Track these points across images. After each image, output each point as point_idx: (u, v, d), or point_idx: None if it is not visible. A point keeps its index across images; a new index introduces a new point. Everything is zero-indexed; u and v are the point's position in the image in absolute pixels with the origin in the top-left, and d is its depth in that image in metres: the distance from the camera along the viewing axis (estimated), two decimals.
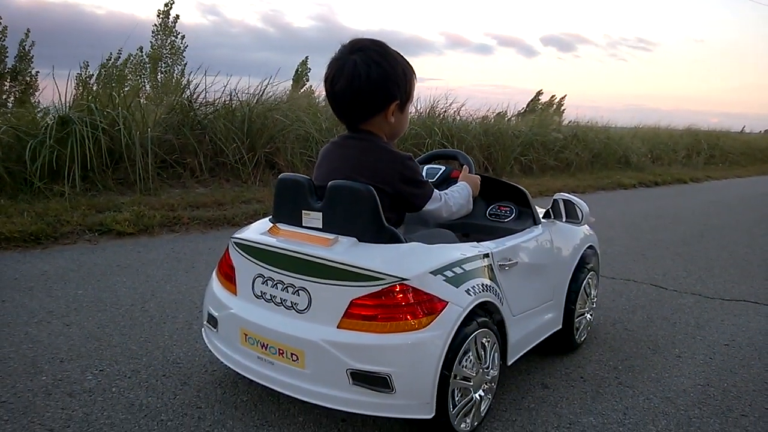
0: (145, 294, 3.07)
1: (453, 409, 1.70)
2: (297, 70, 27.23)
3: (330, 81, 1.82)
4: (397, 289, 1.61)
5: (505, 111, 11.39)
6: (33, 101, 9.50)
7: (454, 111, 9.30)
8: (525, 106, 26.05)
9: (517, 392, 2.15)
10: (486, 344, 1.81)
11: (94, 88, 6.40)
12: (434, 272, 1.68)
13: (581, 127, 11.87)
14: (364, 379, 1.61)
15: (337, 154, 1.90)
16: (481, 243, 1.98)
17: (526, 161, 9.72)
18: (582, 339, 2.66)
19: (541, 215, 2.49)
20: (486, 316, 1.82)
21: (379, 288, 1.61)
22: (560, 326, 2.45)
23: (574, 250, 2.56)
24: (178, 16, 22.65)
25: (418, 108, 9.09)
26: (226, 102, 6.85)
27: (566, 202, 2.47)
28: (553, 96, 30.54)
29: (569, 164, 10.67)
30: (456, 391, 1.70)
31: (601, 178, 10.17)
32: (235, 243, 1.94)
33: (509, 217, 2.52)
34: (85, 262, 3.60)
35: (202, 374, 2.16)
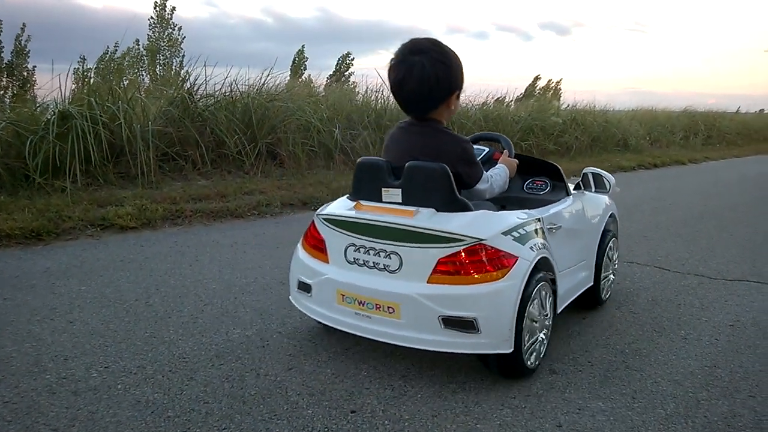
0: (149, 288, 3.07)
1: (524, 347, 2.05)
2: (294, 59, 27.12)
3: (399, 83, 2.11)
4: (477, 248, 1.95)
5: (504, 96, 11.36)
6: (30, 96, 9.44)
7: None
8: (523, 91, 25.94)
9: (525, 378, 2.15)
10: (545, 297, 2.17)
11: (93, 83, 6.37)
12: (504, 233, 2.03)
13: (579, 111, 11.83)
14: (453, 323, 1.95)
15: (405, 139, 2.23)
16: (530, 210, 2.30)
17: (527, 146, 9.68)
18: (606, 297, 3.02)
19: (571, 187, 2.82)
20: (545, 272, 2.17)
21: (461, 247, 1.95)
22: (592, 283, 2.81)
23: (600, 217, 2.93)
24: (174, 8, 22.55)
25: None
26: (227, 93, 6.82)
27: (595, 175, 2.95)
28: (550, 80, 30.30)
29: (569, 148, 10.65)
30: (525, 332, 2.04)
31: (601, 161, 10.14)
32: (323, 219, 2.25)
33: (544, 190, 2.87)
34: (87, 258, 3.60)
35: (208, 369, 2.16)
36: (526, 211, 2.27)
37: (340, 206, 2.26)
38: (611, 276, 3.08)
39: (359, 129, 7.57)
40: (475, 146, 2.57)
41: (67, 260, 3.54)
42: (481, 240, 1.95)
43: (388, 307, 2.03)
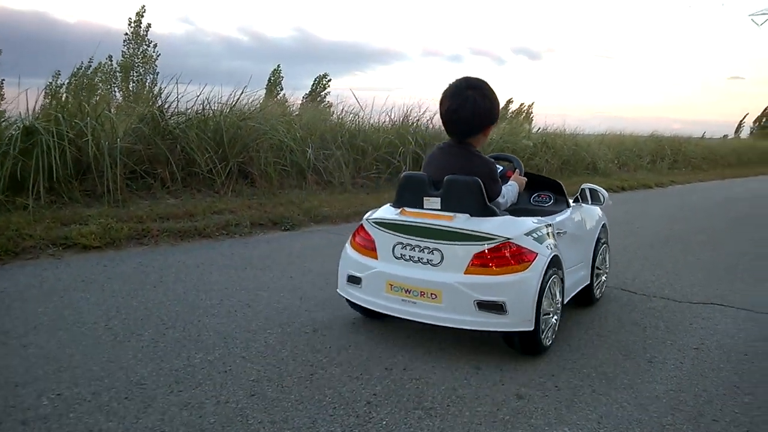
0: (109, 310, 2.98)
1: (542, 326, 2.51)
2: (270, 78, 27.14)
3: (454, 111, 2.62)
4: (505, 245, 2.43)
5: None
6: None
7: (428, 120, 9.32)
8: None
9: (492, 404, 2.13)
10: (556, 286, 2.64)
11: (64, 98, 6.25)
12: (526, 234, 2.51)
13: (550, 135, 12.00)
14: (486, 306, 2.40)
15: (445, 158, 2.72)
16: (541, 218, 2.79)
17: None
18: (599, 296, 3.51)
19: (571, 201, 3.34)
20: (556, 267, 2.61)
21: (493, 245, 2.43)
22: (589, 281, 3.28)
23: (594, 226, 3.44)
24: (150, 25, 22.45)
25: (393, 117, 9.10)
26: (199, 111, 6.76)
27: (591, 189, 3.48)
28: (522, 104, 30.82)
29: (540, 171, 10.77)
30: (542, 315, 2.48)
31: (571, 184, 10.25)
32: (373, 222, 2.72)
33: (548, 203, 3.39)
34: (47, 278, 3.49)
35: (167, 395, 2.09)
36: (539, 218, 2.77)
37: (387, 212, 2.73)
38: (603, 277, 3.58)
39: (332, 149, 7.56)
40: (500, 160, 3.19)
41: (26, 280, 3.43)
42: (509, 239, 2.45)
43: (432, 294, 2.48)
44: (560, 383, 2.35)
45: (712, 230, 6.64)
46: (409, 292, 2.54)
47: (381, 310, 2.65)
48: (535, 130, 12.92)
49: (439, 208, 2.58)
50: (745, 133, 41.46)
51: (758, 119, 47.98)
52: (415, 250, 2.56)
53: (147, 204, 5.50)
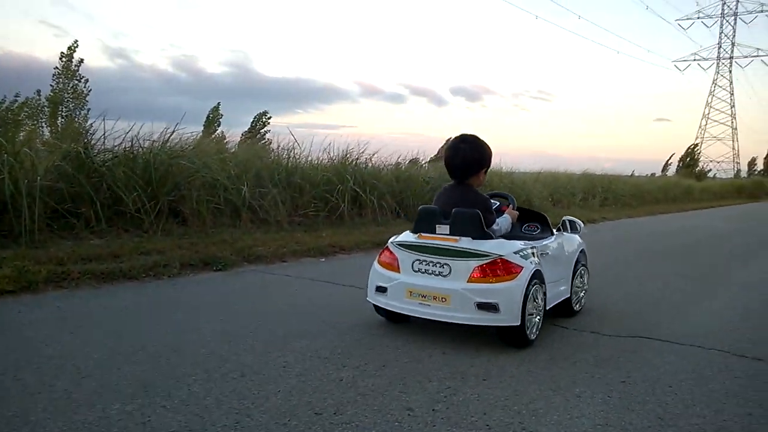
0: (19, 360, 2.78)
1: (527, 323, 3.22)
2: (208, 116, 26.83)
3: (451, 159, 3.53)
4: (499, 261, 3.17)
5: (418, 158, 11.70)
6: None
7: (367, 158, 9.39)
8: (436, 152, 26.69)
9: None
10: (539, 293, 3.36)
11: None
12: (515, 252, 3.26)
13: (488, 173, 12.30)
14: (484, 306, 3.12)
15: (450, 195, 3.57)
16: (528, 242, 3.53)
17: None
18: (578, 309, 4.16)
19: (554, 230, 4.06)
20: (538, 279, 3.34)
21: (490, 260, 3.18)
22: (569, 295, 3.98)
23: (573, 251, 4.14)
24: (82, 60, 21.85)
25: (331, 155, 9.11)
26: (128, 148, 6.57)
27: (570, 221, 4.19)
28: None
29: None
30: (527, 314, 3.20)
31: None
32: (398, 244, 3.46)
33: (536, 231, 4.05)
34: None
35: None
36: (526, 242, 3.51)
37: (407, 236, 3.49)
38: (581, 293, 4.23)
39: (269, 187, 7.47)
40: (494, 196, 3.95)
41: None
42: (501, 256, 3.21)
43: (442, 298, 3.23)
44: (491, 422, 2.33)
45: (640, 264, 6.89)
46: (425, 297, 3.28)
47: (403, 312, 3.41)
48: None
49: (448, 233, 3.34)
50: (671, 172, 43.85)
51: (683, 158, 50.94)
52: (429, 265, 3.32)
53: (69, 245, 5.25)
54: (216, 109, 25.41)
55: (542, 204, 13.24)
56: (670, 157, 48.23)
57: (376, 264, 3.58)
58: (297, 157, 8.57)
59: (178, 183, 6.57)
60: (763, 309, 4.64)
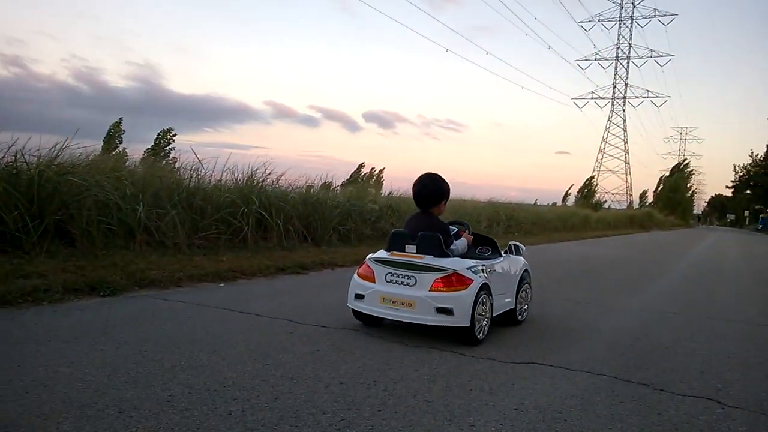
0: None
1: (476, 325, 3.95)
2: (109, 131, 25.59)
3: (417, 192, 4.37)
4: (454, 275, 3.91)
5: (330, 181, 11.67)
6: None
7: (274, 180, 9.22)
8: (349, 176, 26.83)
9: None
10: (485, 302, 4.10)
11: None
12: (467, 268, 3.98)
13: (395, 199, 12.43)
14: (442, 310, 3.86)
15: (416, 221, 4.36)
16: (479, 261, 4.25)
17: (344, 231, 9.87)
18: (522, 319, 4.95)
19: (502, 252, 4.85)
20: (486, 290, 4.09)
21: (447, 274, 3.91)
22: (513, 306, 4.76)
23: (518, 270, 4.93)
24: None
25: (237, 176, 8.86)
26: (9, 163, 6.07)
27: (514, 245, 5.01)
28: (373, 168, 31.85)
29: (385, 233, 11.04)
30: (476, 317, 3.94)
31: None
32: (375, 260, 4.17)
33: (487, 253, 4.71)
34: None
35: None
36: (477, 261, 4.25)
37: (382, 254, 4.23)
38: (525, 306, 5.05)
39: (167, 207, 7.14)
40: (452, 224, 4.66)
41: None
42: (456, 270, 3.98)
43: (409, 303, 3.99)
44: None
45: (539, 290, 7.09)
46: (395, 303, 4.04)
47: (377, 315, 4.18)
48: (384, 193, 13.35)
49: (415, 251, 4.12)
50: (571, 202, 46.31)
51: (581, 189, 54.03)
52: (399, 277, 4.08)
53: None
54: (117, 124, 24.33)
55: None
56: (569, 188, 51.14)
57: (355, 276, 4.32)
58: (200, 177, 8.27)
59: (67, 201, 6.14)
60: (648, 334, 4.89)
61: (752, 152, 75.67)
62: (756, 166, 75.23)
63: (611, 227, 31.34)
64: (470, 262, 4.12)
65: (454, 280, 3.94)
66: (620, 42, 68.08)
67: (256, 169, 8.89)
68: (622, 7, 66.89)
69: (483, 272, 4.14)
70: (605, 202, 56.34)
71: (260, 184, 8.84)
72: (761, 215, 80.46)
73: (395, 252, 4.18)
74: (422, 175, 4.45)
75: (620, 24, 67.70)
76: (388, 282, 4.09)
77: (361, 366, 3.40)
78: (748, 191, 79.96)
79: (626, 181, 70.19)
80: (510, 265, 4.79)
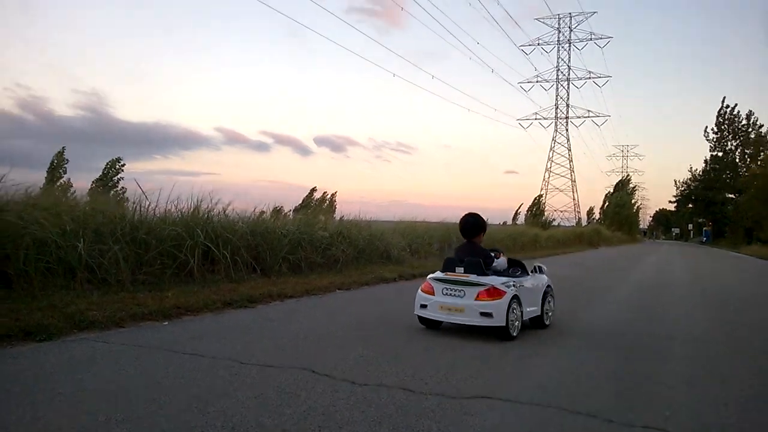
0: None
1: (510, 325, 5.38)
2: (52, 161, 24.69)
3: (463, 226, 6.00)
4: (492, 288, 5.37)
5: (281, 207, 11.59)
6: None
7: (221, 210, 9.05)
8: (301, 201, 26.67)
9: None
10: (517, 309, 5.50)
11: None
12: (502, 283, 5.45)
13: (346, 224, 12.38)
14: (484, 314, 5.31)
15: (463, 248, 5.91)
16: (511, 278, 5.69)
17: (295, 259, 9.76)
18: (548, 323, 6.25)
19: (530, 270, 6.22)
20: (516, 300, 5.49)
21: (487, 288, 5.38)
22: (539, 313, 6.09)
23: (541, 286, 6.20)
24: None
25: (183, 207, 8.66)
26: None
27: (538, 266, 6.31)
28: (325, 192, 31.73)
29: (336, 260, 10.98)
30: (510, 320, 5.38)
31: (366, 273, 10.62)
32: (434, 278, 5.68)
33: (518, 273, 6.00)
34: None
35: None
36: (509, 278, 5.66)
37: (438, 275, 5.66)
38: (550, 314, 6.32)
39: (110, 243, 6.92)
40: (491, 250, 5.96)
41: None
42: (493, 285, 5.38)
43: (460, 309, 5.42)
44: None
45: None
46: (450, 309, 5.49)
47: (437, 319, 5.62)
48: (338, 218, 13.31)
49: (463, 272, 5.57)
50: (521, 220, 47.07)
51: (530, 208, 55.08)
52: (452, 291, 5.53)
53: None
54: (60, 154, 23.55)
55: (400, 255, 13.58)
56: (519, 207, 51.98)
57: (420, 291, 5.77)
58: (144, 209, 8.05)
59: (2, 241, 5.88)
60: (595, 360, 4.98)
61: (691, 167, 78.93)
62: (696, 181, 78.38)
63: (561, 245, 32.01)
64: (504, 279, 5.57)
65: (492, 292, 5.34)
66: (560, 64, 70.46)
67: (202, 200, 8.71)
68: (560, 31, 69.43)
69: (514, 287, 5.56)
70: (554, 220, 57.66)
71: (207, 215, 8.66)
72: (705, 228, 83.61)
73: (449, 273, 5.63)
74: (466, 213, 6.04)
75: (559, 47, 70.18)
76: (444, 295, 5.54)
77: (306, 410, 3.33)
78: (690, 205, 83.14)
79: (573, 199, 72.10)
80: (535, 281, 6.12)
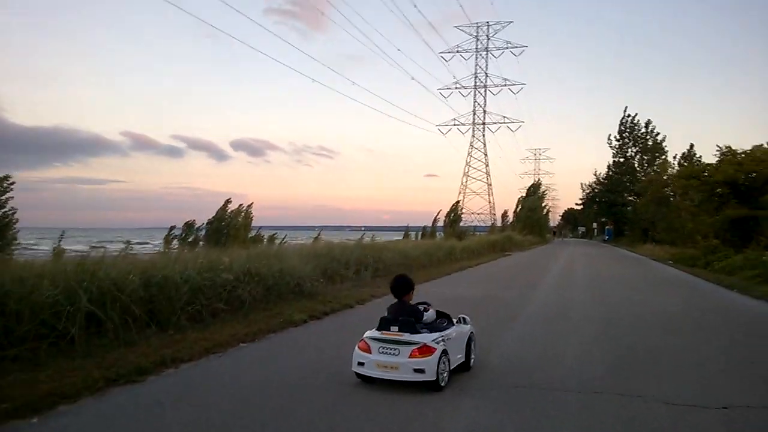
0: None
1: (439, 378, 5.80)
2: None
3: (394, 286, 6.47)
4: (424, 346, 5.77)
5: (194, 221, 10.87)
6: None
7: (110, 264, 8.30)
8: (215, 214, 25.68)
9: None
10: (446, 362, 5.94)
11: None
12: (433, 340, 5.88)
13: (255, 259, 11.81)
14: (417, 370, 5.69)
15: (396, 308, 6.27)
16: (440, 333, 6.12)
17: (194, 310, 9.13)
18: (471, 365, 6.74)
19: (455, 321, 6.70)
20: (445, 354, 5.93)
21: (419, 346, 5.77)
22: (464, 360, 6.59)
23: (465, 334, 6.68)
24: None
25: (63, 260, 7.85)
26: None
27: (463, 317, 6.85)
28: (241, 204, 30.77)
29: (243, 302, 10.43)
30: (439, 373, 5.79)
31: (274, 314, 10.14)
32: (370, 338, 5.97)
33: (444, 323, 6.48)
34: None
35: None
36: (439, 333, 6.08)
37: (374, 333, 5.98)
38: (473, 356, 6.79)
39: None
40: (419, 303, 6.49)
41: None
42: (425, 343, 5.77)
43: (395, 367, 5.75)
44: None
45: None
46: (386, 367, 5.79)
47: (374, 376, 5.87)
48: (254, 231, 12.69)
49: (398, 331, 5.89)
50: (440, 224, 47.48)
51: (448, 214, 55.76)
52: (387, 349, 5.83)
53: None
54: None
55: (313, 286, 13.17)
56: (438, 213, 52.53)
57: (357, 349, 5.98)
58: (14, 272, 7.22)
59: None
60: (488, 411, 4.82)
61: (596, 171, 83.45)
62: (599, 185, 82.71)
63: (475, 255, 32.67)
64: (435, 335, 5.95)
65: (425, 350, 5.72)
66: (477, 72, 72.48)
67: (87, 256, 7.94)
68: (478, 40, 71.53)
69: (443, 341, 5.98)
70: (471, 227, 58.85)
71: (92, 271, 7.89)
72: (607, 227, 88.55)
73: (384, 332, 5.95)
74: (397, 275, 6.67)
75: (477, 55, 72.30)
76: (380, 353, 5.83)
77: None
78: (595, 206, 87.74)
79: (489, 201, 74.30)
80: (460, 330, 6.60)
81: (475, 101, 73.70)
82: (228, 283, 10.09)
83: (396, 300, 6.37)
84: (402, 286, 6.44)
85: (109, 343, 7.39)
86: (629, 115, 76.15)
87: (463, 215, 59.64)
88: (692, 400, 5.77)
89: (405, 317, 5.99)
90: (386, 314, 6.25)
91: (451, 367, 6.12)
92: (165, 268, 9.22)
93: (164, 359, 6.93)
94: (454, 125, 73.92)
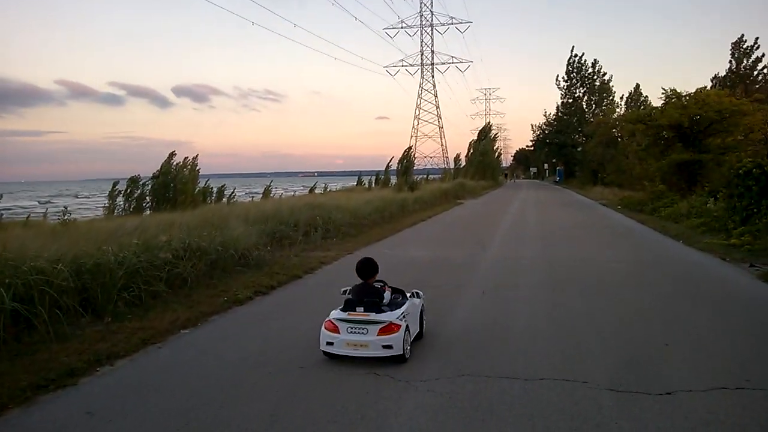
0: None
1: (405, 351, 6.33)
2: None
3: (360, 268, 6.90)
4: (390, 324, 6.29)
5: (138, 175, 10.33)
6: None
7: (35, 255, 7.81)
8: (159, 168, 24.82)
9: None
10: (408, 336, 6.47)
11: None
12: (397, 318, 6.40)
13: (196, 234, 11.42)
14: (386, 347, 6.22)
15: (360, 289, 6.73)
16: (401, 309, 6.61)
17: (132, 296, 8.77)
18: (423, 334, 7.28)
19: (408, 295, 7.20)
20: (407, 329, 6.47)
21: (386, 324, 6.29)
22: (419, 329, 7.12)
23: (417, 307, 7.17)
24: None
25: None
26: None
27: (416, 292, 7.38)
28: (186, 158, 29.84)
29: (185, 280, 10.11)
30: (405, 347, 6.33)
31: (218, 293, 9.87)
32: (336, 318, 6.41)
33: (399, 298, 6.99)
34: None
35: None
36: (400, 310, 6.54)
37: (341, 314, 6.41)
38: (424, 325, 7.33)
39: None
40: (377, 282, 6.97)
41: None
42: (391, 321, 6.28)
43: (364, 345, 6.24)
44: None
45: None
46: (356, 345, 6.24)
47: (345, 354, 6.28)
48: (201, 184, 12.26)
49: (363, 311, 6.34)
50: (393, 170, 47.12)
51: (401, 161, 55.34)
52: (356, 329, 6.29)
53: None
54: None
55: (260, 256, 12.90)
56: (390, 160, 52.14)
57: (323, 328, 6.40)
58: None
59: None
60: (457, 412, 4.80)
61: (546, 112, 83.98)
62: (549, 126, 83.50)
63: (428, 206, 32.74)
64: (397, 312, 6.42)
65: (391, 327, 6.20)
66: (423, 10, 71.06)
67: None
68: None
69: (404, 318, 6.44)
70: (425, 170, 58.85)
71: (14, 266, 7.42)
72: (558, 168, 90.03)
73: (351, 312, 6.35)
74: (363, 258, 7.00)
75: None
76: (349, 333, 6.28)
77: None
78: (546, 148, 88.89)
79: (441, 144, 74.42)
80: (414, 305, 7.05)
81: (422, 41, 72.72)
82: (168, 263, 9.72)
83: (361, 281, 6.82)
84: (367, 269, 6.87)
85: (41, 339, 7.02)
86: (576, 55, 76.48)
87: (416, 159, 59.65)
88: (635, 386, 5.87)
89: (369, 298, 6.46)
90: (349, 295, 6.73)
91: (411, 339, 6.65)
92: (96, 255, 8.76)
93: (99, 356, 6.64)
94: (402, 66, 72.99)
